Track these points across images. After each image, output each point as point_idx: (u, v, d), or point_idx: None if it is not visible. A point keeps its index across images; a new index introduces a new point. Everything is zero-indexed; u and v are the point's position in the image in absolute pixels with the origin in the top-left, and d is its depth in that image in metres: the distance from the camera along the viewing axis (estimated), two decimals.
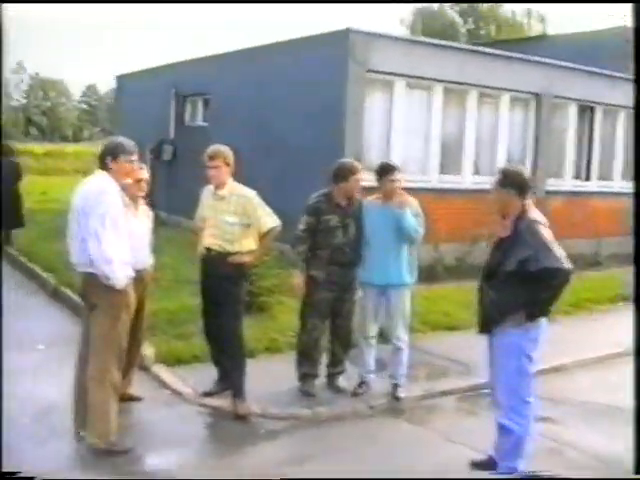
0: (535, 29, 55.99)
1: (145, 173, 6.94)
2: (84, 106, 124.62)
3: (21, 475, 4.17)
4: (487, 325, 5.64)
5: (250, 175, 7.05)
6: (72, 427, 6.17)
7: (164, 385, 7.59)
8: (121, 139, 6.13)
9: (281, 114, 15.02)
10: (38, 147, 54.58)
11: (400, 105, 14.45)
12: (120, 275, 5.80)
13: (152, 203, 7.32)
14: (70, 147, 57.74)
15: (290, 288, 7.75)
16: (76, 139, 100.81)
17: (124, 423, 6.25)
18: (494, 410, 5.79)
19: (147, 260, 6.94)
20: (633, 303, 5.27)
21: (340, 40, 13.61)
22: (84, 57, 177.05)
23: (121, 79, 23.84)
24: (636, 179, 5.34)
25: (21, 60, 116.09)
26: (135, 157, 6.07)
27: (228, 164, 6.89)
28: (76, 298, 10.33)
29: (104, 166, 5.99)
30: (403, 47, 14.51)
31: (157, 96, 20.06)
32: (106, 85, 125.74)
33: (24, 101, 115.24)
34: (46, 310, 10.68)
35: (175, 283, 10.95)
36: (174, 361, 8.11)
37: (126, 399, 6.80)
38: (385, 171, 7.17)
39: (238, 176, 7.07)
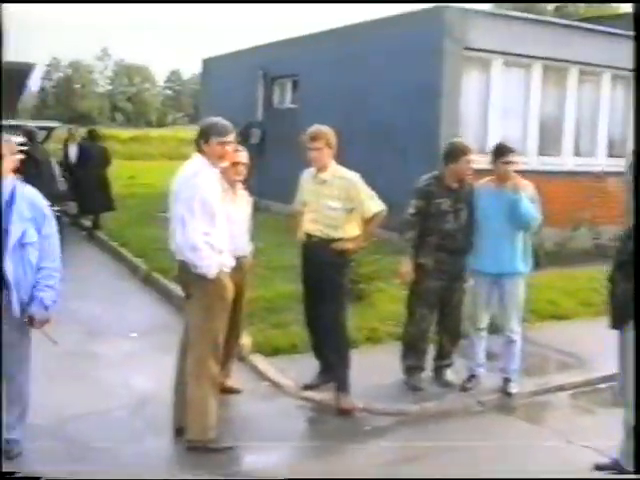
0: (623, 7, 54.04)
1: (244, 156, 6.54)
2: (168, 91, 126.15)
3: (22, 475, 3.88)
4: (619, 318, 5.13)
5: (342, 158, 6.62)
6: (170, 421, 5.91)
7: (262, 376, 7.27)
8: (215, 120, 5.74)
9: (374, 95, 14.59)
10: (124, 132, 55.33)
11: (497, 84, 13.91)
12: (209, 263, 5.45)
13: (249, 188, 6.91)
14: (155, 132, 58.24)
15: (395, 275, 7.35)
16: (160, 124, 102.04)
17: (223, 416, 5.93)
18: (624, 410, 5.29)
19: (246, 247, 6.62)
20: (634, 304, 4.85)
21: (435, 17, 13.13)
22: (168, 42, 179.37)
23: (207, 62, 23.66)
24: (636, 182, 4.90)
25: (106, 47, 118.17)
26: (229, 139, 5.66)
27: (330, 146, 6.47)
28: (168, 284, 10.20)
29: (199, 148, 5.67)
30: (500, 23, 13.93)
31: (244, 79, 19.83)
32: (190, 70, 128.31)
33: (109, 87, 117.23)
34: (138, 296, 10.49)
35: (269, 270, 10.66)
36: (272, 351, 7.78)
37: (225, 391, 6.50)
38: (500, 153, 6.70)
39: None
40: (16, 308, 5.05)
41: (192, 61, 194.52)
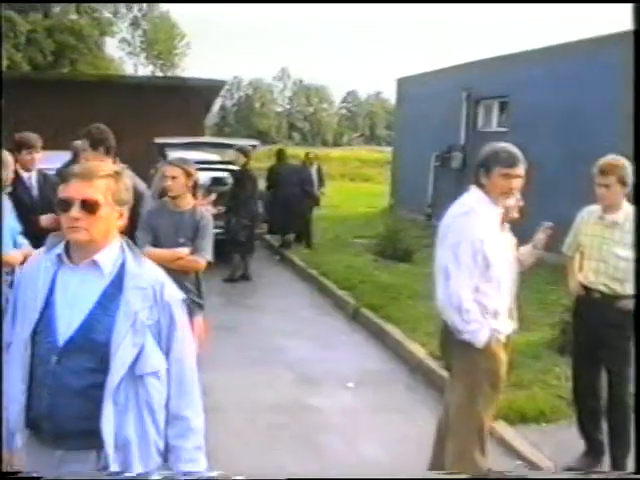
0: None
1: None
2: (344, 111, 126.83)
3: (22, 475, 3.10)
4: None
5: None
6: None
7: (511, 450, 6.09)
8: (501, 146, 4.63)
9: (597, 118, 13.12)
10: (302, 152, 55.04)
11: None
12: (478, 328, 4.38)
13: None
14: (335, 152, 57.93)
15: None
16: (336, 144, 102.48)
17: None
18: None
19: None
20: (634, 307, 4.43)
21: None
22: (344, 63, 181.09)
23: (402, 82, 22.73)
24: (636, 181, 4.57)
25: (285, 66, 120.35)
26: (518, 171, 4.54)
27: (624, 182, 5.23)
28: (381, 324, 9.22)
29: (477, 180, 4.60)
30: None
31: (444, 99, 18.73)
32: (365, 91, 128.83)
33: (287, 107, 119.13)
34: (347, 335, 9.49)
35: None
36: (517, 418, 6.57)
37: None
38: None
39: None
40: None
41: (367, 82, 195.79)
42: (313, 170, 16.58)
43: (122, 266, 2.86)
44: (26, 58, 41.35)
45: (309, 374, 7.82)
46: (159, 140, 13.28)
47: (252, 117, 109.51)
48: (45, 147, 21.51)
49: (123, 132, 24.26)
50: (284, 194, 14.89)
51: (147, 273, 2.89)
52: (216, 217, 14.01)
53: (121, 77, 34.18)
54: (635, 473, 4.14)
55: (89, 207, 2.77)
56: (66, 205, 2.77)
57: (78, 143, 10.99)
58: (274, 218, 14.60)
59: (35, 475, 2.52)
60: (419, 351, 8.18)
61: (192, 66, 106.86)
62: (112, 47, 65.60)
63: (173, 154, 11.61)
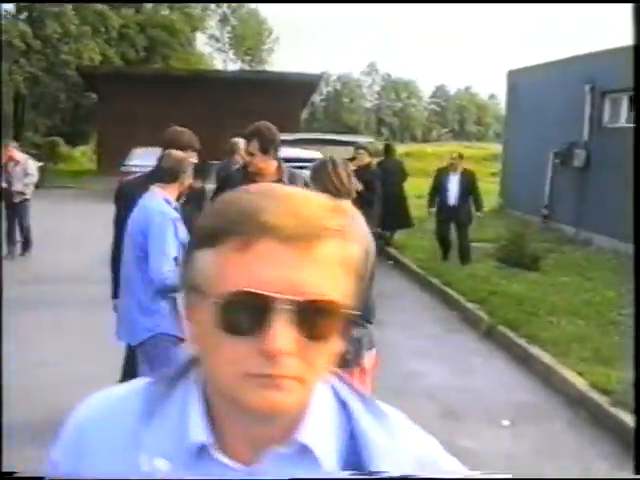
0: None
1: None
2: (433, 107, 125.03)
3: (22, 475, 2.24)
4: None
5: None
6: None
7: None
8: None
9: None
10: (397, 147, 53.82)
11: None
12: None
13: None
14: (430, 147, 56.64)
15: None
16: (424, 140, 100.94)
17: None
18: None
19: None
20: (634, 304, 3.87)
21: None
22: (433, 56, 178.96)
23: (514, 75, 21.46)
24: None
25: (374, 62, 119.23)
26: None
27: None
28: (525, 345, 8.17)
29: None
30: None
31: (562, 93, 17.45)
32: (455, 85, 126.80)
33: (376, 102, 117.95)
34: (484, 358, 8.42)
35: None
36: None
37: None
38: None
39: None
40: None
41: (457, 76, 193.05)
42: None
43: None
44: (119, 53, 41.26)
45: (452, 406, 6.82)
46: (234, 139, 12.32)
47: (341, 112, 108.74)
48: (140, 143, 20.98)
49: (219, 129, 23.97)
50: (392, 190, 13.88)
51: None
52: None
53: (216, 72, 33.96)
54: (635, 473, 4.02)
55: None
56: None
57: (238, 141, 10.39)
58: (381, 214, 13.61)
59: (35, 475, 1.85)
60: (577, 381, 7.07)
61: (280, 62, 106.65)
62: (201, 44, 65.51)
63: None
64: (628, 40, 15.84)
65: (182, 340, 4.51)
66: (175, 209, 4.62)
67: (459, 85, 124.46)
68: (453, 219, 12.55)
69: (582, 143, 16.53)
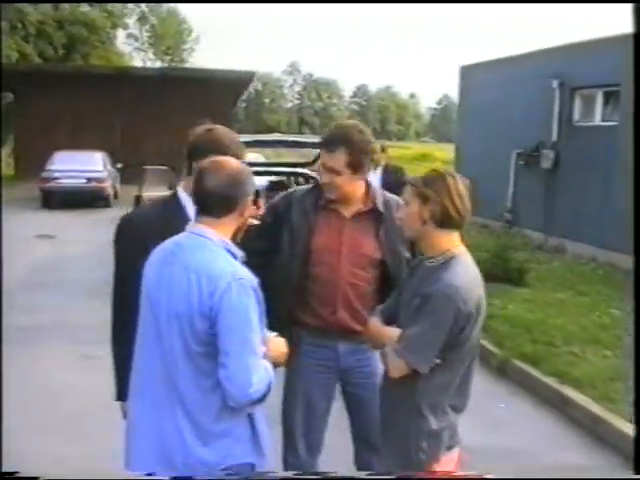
0: None
1: None
2: (354, 106, 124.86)
3: (22, 475, 2.76)
4: None
5: None
6: None
7: None
8: None
9: None
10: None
11: None
12: None
13: None
14: None
15: None
16: None
17: None
18: None
19: None
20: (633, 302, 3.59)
21: None
22: (354, 56, 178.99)
23: (467, 71, 20.26)
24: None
25: (295, 61, 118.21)
26: None
27: None
28: (558, 387, 6.83)
29: None
30: None
31: (527, 89, 16.32)
32: (375, 85, 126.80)
33: (298, 102, 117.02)
34: (512, 406, 6.98)
35: None
36: None
37: None
38: None
39: None
40: None
41: (377, 75, 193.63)
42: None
43: None
44: (36, 51, 38.99)
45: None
46: None
47: (262, 113, 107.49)
48: (61, 146, 19.07)
49: (145, 128, 22.19)
50: None
51: None
52: None
53: (141, 69, 31.95)
54: (635, 473, 3.80)
55: None
56: None
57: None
58: None
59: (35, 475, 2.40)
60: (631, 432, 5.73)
61: (201, 62, 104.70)
62: (120, 43, 63.41)
63: None
64: (597, 33, 14.76)
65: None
66: (244, 263, 2.92)
67: (379, 85, 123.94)
68: None
69: (550, 143, 15.38)
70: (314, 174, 10.92)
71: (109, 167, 23.62)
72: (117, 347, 3.41)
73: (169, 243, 2.92)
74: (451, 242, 3.17)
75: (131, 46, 74.27)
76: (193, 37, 79.34)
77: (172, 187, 13.46)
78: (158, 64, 73.82)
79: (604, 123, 14.42)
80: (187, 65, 70.06)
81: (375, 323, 3.29)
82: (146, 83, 29.04)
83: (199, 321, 2.73)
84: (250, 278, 2.82)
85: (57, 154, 22.42)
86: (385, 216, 3.71)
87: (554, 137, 15.33)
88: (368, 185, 3.75)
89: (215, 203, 2.86)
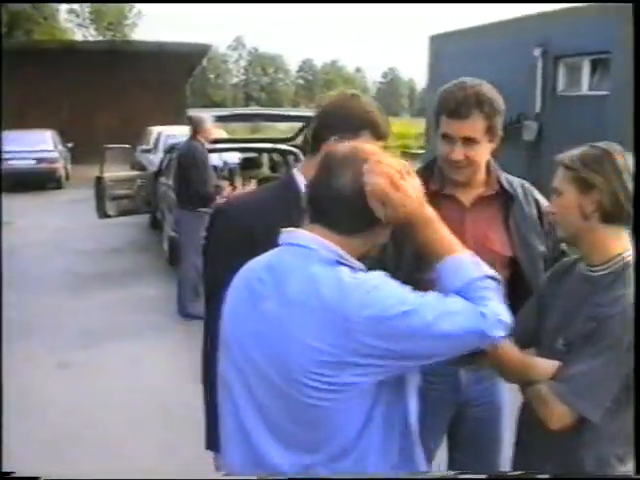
0: None
1: None
2: (300, 81, 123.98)
3: (22, 475, 2.64)
4: None
5: None
6: None
7: None
8: None
9: None
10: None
11: None
12: None
13: None
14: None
15: None
16: None
17: None
18: None
19: None
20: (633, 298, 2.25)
21: None
22: (300, 32, 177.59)
23: (438, 40, 19.54)
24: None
25: (240, 35, 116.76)
26: None
27: None
28: None
29: None
30: None
31: (505, 59, 15.63)
32: (321, 59, 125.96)
33: (243, 77, 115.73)
34: None
35: None
36: None
37: None
38: None
39: None
40: None
41: (323, 50, 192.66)
42: None
43: None
44: None
45: None
46: (193, 114, 9.81)
47: (207, 88, 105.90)
48: (9, 126, 17.71)
49: (95, 104, 20.88)
50: None
51: None
52: None
53: (89, 43, 30.61)
54: (635, 473, 2.86)
55: None
56: None
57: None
58: None
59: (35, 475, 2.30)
60: None
61: (145, 38, 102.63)
62: (61, 19, 61.52)
63: None
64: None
65: None
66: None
67: (325, 59, 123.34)
68: None
69: (533, 114, 14.75)
70: (295, 150, 10.20)
71: (60, 147, 22.44)
72: (210, 388, 2.42)
73: (257, 265, 2.04)
74: (622, 244, 2.38)
75: (72, 22, 72.11)
76: (135, 12, 77.42)
77: (133, 167, 12.48)
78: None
79: (592, 92, 13.81)
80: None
81: (513, 349, 2.46)
82: (94, 57, 27.78)
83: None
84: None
85: (5, 134, 21.14)
86: (515, 201, 2.89)
87: (537, 108, 14.71)
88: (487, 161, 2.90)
89: (344, 214, 1.95)
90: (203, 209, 7.78)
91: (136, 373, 6.60)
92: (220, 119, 9.84)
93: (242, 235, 2.34)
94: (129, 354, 7.08)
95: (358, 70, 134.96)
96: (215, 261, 2.55)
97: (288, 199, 2.42)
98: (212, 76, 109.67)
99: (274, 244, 2.02)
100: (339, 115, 2.40)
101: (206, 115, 8.23)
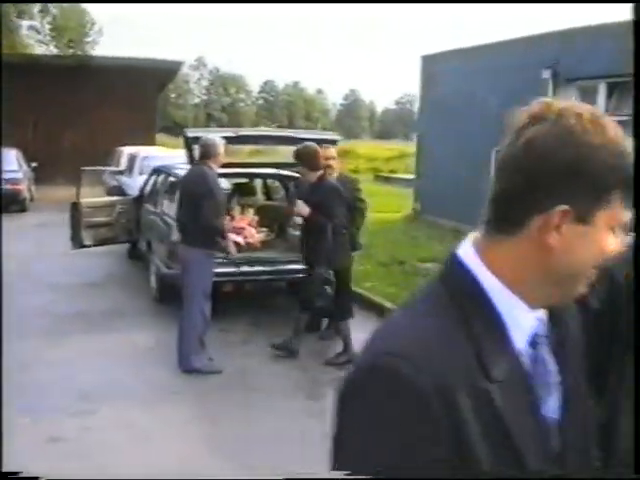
0: None
1: None
2: (261, 102, 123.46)
3: (23, 475, 2.47)
4: None
5: None
6: None
7: None
8: None
9: None
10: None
11: None
12: None
13: None
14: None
15: None
16: None
17: None
18: None
19: None
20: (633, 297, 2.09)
21: None
22: (261, 52, 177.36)
23: (431, 60, 18.59)
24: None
25: (201, 56, 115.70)
26: None
27: None
28: None
29: None
30: None
31: (508, 81, 14.71)
32: (283, 80, 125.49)
33: (204, 97, 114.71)
34: None
35: None
36: None
37: None
38: None
39: None
40: None
41: (285, 71, 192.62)
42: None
43: None
44: None
45: None
46: (191, 133, 8.64)
47: (167, 108, 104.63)
48: None
49: (60, 122, 19.61)
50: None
51: None
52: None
53: (54, 57, 29.36)
54: (635, 473, 2.62)
55: None
56: None
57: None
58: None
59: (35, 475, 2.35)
60: None
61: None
62: (23, 35, 59.84)
63: None
64: (594, 20, 13.28)
65: None
66: None
67: (287, 80, 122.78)
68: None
69: None
70: (298, 175, 9.03)
71: (24, 167, 21.08)
72: None
73: None
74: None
75: (33, 39, 70.52)
76: (96, 29, 75.98)
77: (110, 193, 11.18)
78: None
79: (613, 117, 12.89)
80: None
81: None
82: (60, 72, 26.52)
83: None
84: None
85: None
86: None
87: None
88: None
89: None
90: (213, 249, 6.70)
91: (139, 447, 5.40)
92: (232, 141, 8.62)
93: None
94: (126, 422, 5.89)
95: (319, 92, 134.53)
96: None
97: None
98: (173, 96, 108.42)
99: None
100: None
101: (218, 139, 7.06)
